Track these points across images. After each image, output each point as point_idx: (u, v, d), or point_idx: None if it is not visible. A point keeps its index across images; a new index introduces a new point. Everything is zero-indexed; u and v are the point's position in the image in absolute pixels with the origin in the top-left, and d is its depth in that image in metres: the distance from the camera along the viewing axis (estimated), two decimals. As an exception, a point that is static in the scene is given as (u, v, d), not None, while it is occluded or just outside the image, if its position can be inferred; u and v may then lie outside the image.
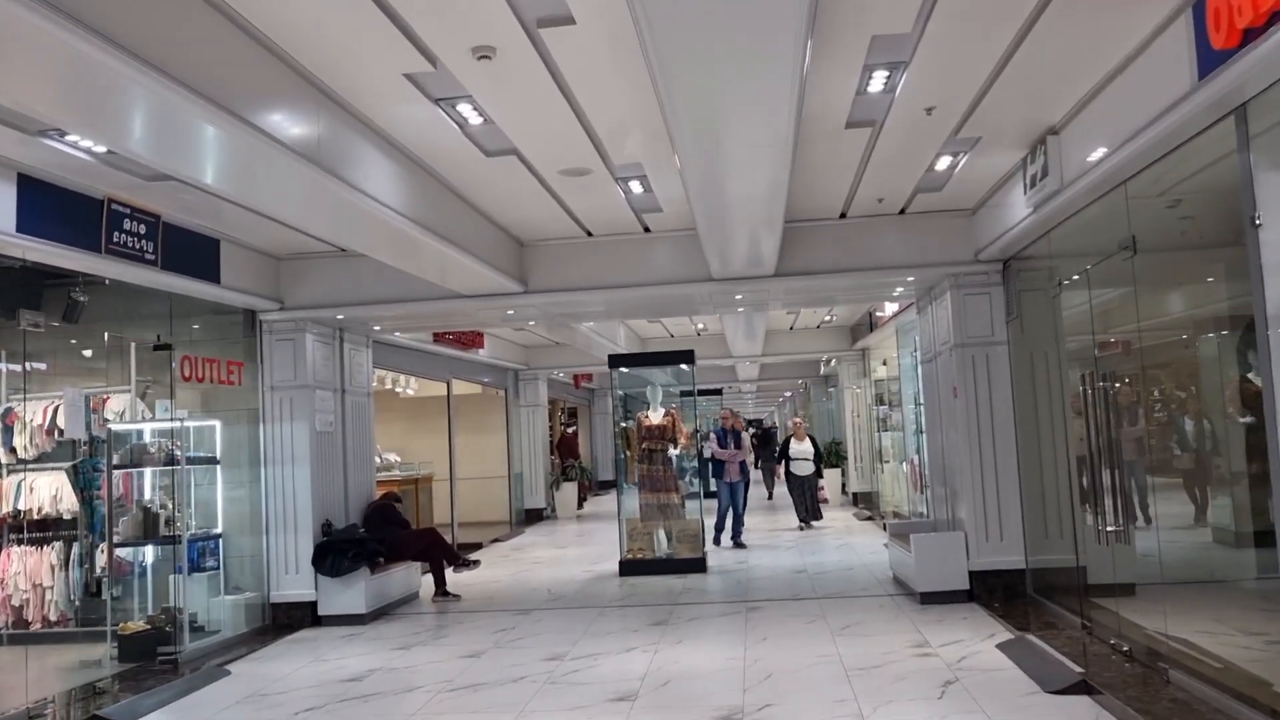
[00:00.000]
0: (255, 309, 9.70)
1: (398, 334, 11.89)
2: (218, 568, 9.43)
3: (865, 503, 19.14)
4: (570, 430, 23.46)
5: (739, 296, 10.08)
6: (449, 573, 11.00)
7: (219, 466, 9.11)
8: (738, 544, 13.58)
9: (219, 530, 9.10)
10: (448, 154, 6.92)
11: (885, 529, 15.15)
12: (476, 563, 11.12)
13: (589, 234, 9.59)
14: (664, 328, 18.80)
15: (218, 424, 9.12)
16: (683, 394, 17.69)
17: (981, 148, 7.22)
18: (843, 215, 9.37)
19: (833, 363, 24.72)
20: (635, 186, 7.97)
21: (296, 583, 9.67)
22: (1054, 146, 6.72)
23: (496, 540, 16.88)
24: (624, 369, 12.65)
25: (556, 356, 20.88)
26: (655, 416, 12.52)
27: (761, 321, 13.96)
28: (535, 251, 9.76)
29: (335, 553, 9.62)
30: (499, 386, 19.72)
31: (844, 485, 21.29)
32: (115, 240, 7.23)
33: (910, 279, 9.51)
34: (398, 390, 17.91)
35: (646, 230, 9.57)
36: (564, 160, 7.19)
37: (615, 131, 6.61)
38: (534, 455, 20.61)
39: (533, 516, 20.48)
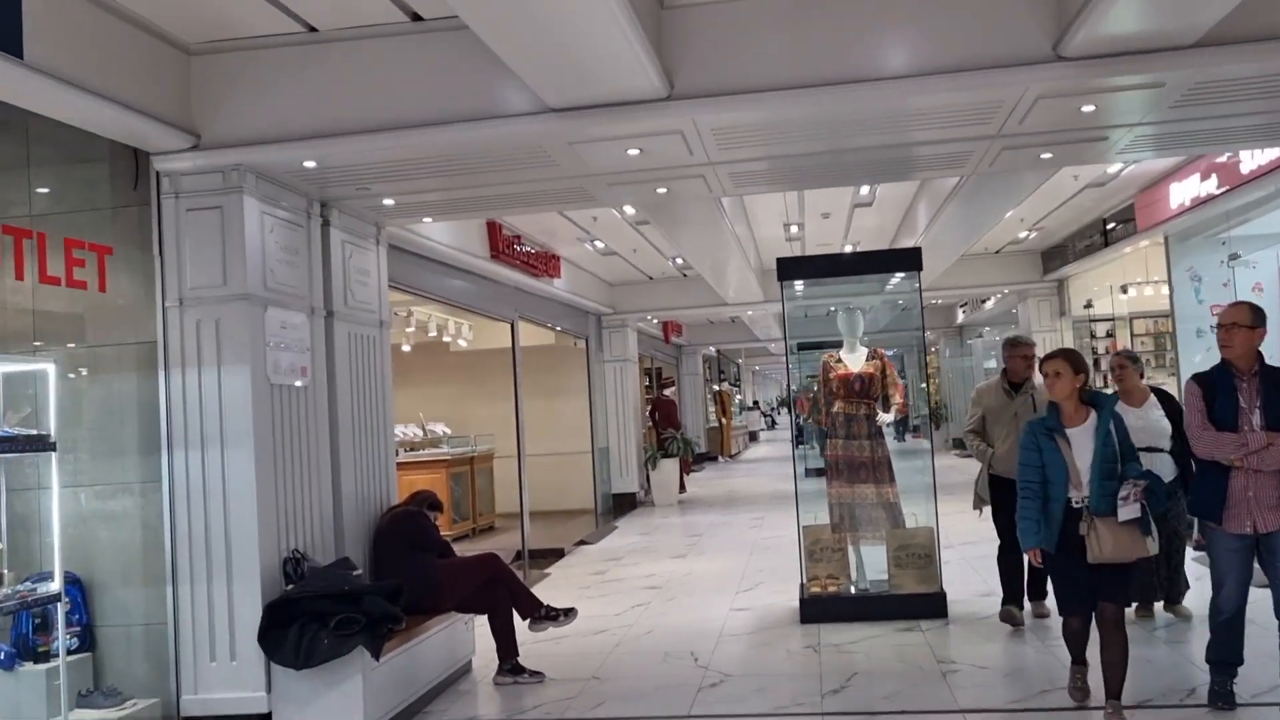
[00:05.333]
0: (143, 144, 4.99)
1: (429, 220, 7.05)
2: (79, 647, 4.81)
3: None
4: (668, 392, 18.65)
5: (1087, 110, 5.07)
6: (523, 626, 6.27)
7: (54, 455, 4.39)
8: None
9: (55, 584, 4.39)
10: None
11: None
12: (569, 614, 6.35)
13: (795, -25, 4.70)
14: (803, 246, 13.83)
15: (50, 370, 4.41)
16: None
17: None
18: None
19: (988, 303, 19.65)
20: None
21: (231, 678, 4.98)
22: None
23: (583, 543, 12.13)
24: (801, 282, 7.69)
25: (649, 296, 16.11)
26: (854, 361, 7.60)
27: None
28: (687, 17, 4.87)
29: (306, 618, 4.93)
30: (578, 335, 14.97)
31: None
32: None
33: None
34: (446, 339, 13.37)
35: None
36: None
37: None
38: (624, 425, 15.83)
39: (623, 504, 15.76)
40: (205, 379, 5.05)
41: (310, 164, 5.16)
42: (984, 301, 19.76)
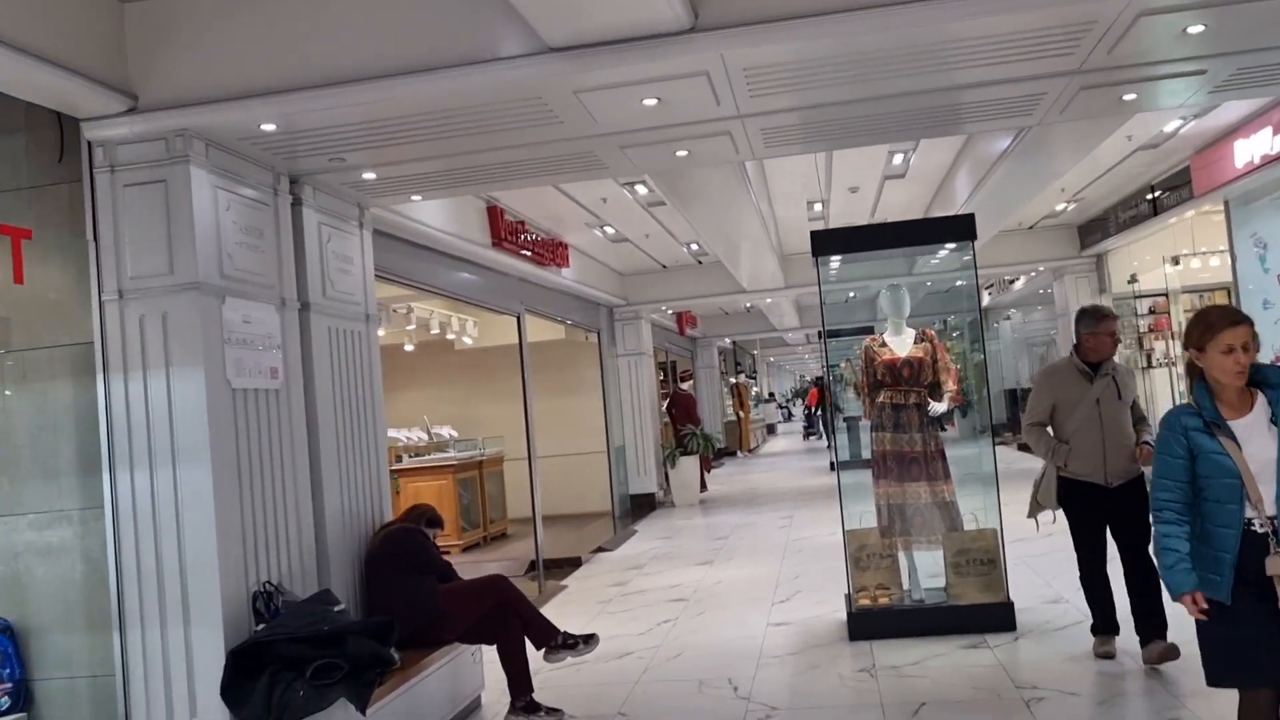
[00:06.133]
0: (69, 108, 4.20)
1: (418, 198, 6.24)
2: (11, 707, 4.05)
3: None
4: (685, 386, 17.85)
5: (1194, 31, 4.24)
6: (537, 656, 5.48)
7: (-40, 481, 3.64)
8: None
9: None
10: None
11: None
12: (589, 641, 5.56)
13: None
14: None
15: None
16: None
17: None
18: None
19: (1017, 283, 18.79)
20: None
21: (191, 739, 4.23)
22: None
23: (600, 549, 11.34)
24: (837, 258, 6.87)
25: (663, 286, 15.32)
26: (900, 344, 6.79)
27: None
28: (712, -64, 4.06)
29: (279, 666, 4.16)
30: (589, 329, 14.17)
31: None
32: None
33: None
34: (450, 337, 12.58)
35: None
36: None
37: None
38: (640, 421, 15.03)
39: (641, 505, 14.97)
40: (152, 384, 4.26)
41: (269, 126, 4.37)
42: (1012, 282, 18.91)
